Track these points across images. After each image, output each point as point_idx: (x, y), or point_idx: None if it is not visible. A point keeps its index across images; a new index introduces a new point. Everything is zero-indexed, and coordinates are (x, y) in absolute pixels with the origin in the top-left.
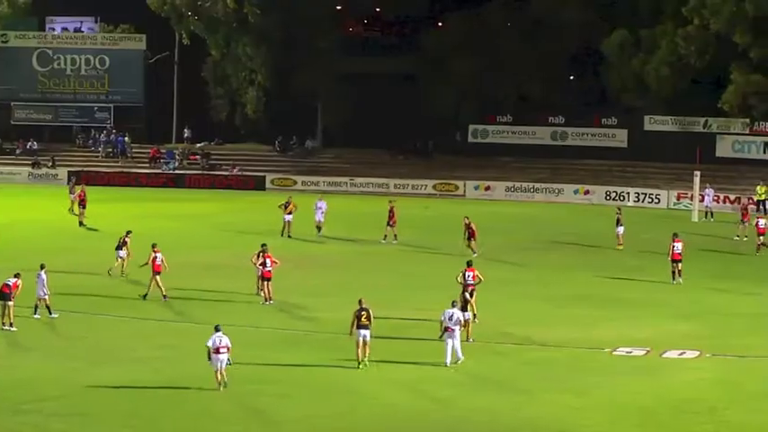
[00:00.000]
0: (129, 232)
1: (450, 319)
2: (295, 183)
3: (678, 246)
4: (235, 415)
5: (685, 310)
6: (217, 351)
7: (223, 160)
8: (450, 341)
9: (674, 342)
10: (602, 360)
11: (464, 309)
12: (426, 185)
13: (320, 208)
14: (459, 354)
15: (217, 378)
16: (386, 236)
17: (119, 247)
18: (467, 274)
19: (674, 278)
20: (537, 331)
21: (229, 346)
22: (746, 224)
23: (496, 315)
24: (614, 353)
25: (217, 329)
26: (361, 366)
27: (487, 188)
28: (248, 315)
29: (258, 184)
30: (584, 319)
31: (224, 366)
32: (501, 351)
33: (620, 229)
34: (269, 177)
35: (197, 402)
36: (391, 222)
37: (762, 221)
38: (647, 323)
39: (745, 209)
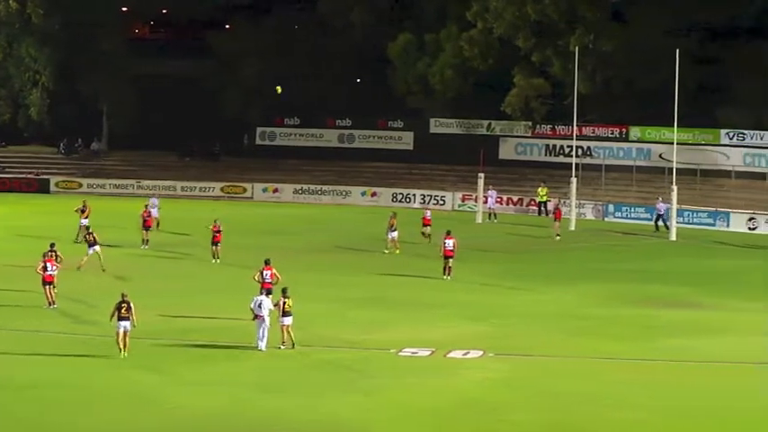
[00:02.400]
0: None
1: (259, 306)
2: (80, 185)
3: (449, 243)
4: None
5: (470, 312)
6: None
7: (6, 163)
8: (258, 327)
9: (459, 342)
10: (389, 361)
11: (285, 314)
12: (214, 188)
13: (154, 206)
14: (264, 343)
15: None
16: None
17: None
18: (265, 272)
19: (444, 273)
20: (325, 333)
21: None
22: (558, 223)
23: None
24: (400, 354)
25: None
26: (122, 355)
27: (275, 190)
28: (30, 319)
29: (42, 187)
30: (372, 320)
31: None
32: (290, 353)
33: (394, 234)
34: (53, 180)
35: None
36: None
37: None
38: (433, 324)
39: (556, 208)
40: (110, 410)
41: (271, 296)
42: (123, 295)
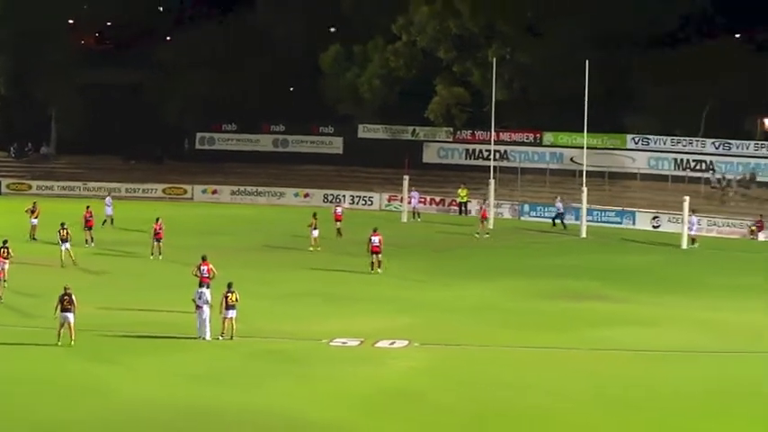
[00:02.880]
0: None
1: (200, 297)
2: (30, 187)
3: (375, 239)
4: None
5: (397, 305)
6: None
7: None
8: (198, 318)
9: (386, 333)
10: (321, 351)
11: (229, 307)
12: (156, 189)
13: (109, 205)
14: (207, 333)
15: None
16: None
17: None
18: (202, 267)
19: (372, 268)
20: (262, 325)
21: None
22: (485, 223)
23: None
24: (331, 344)
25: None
26: (63, 343)
27: (214, 192)
28: None
29: None
30: (303, 314)
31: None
32: (229, 344)
33: (315, 233)
34: (4, 182)
35: None
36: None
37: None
38: (361, 317)
39: (482, 209)
40: (57, 401)
41: (209, 289)
42: (66, 288)
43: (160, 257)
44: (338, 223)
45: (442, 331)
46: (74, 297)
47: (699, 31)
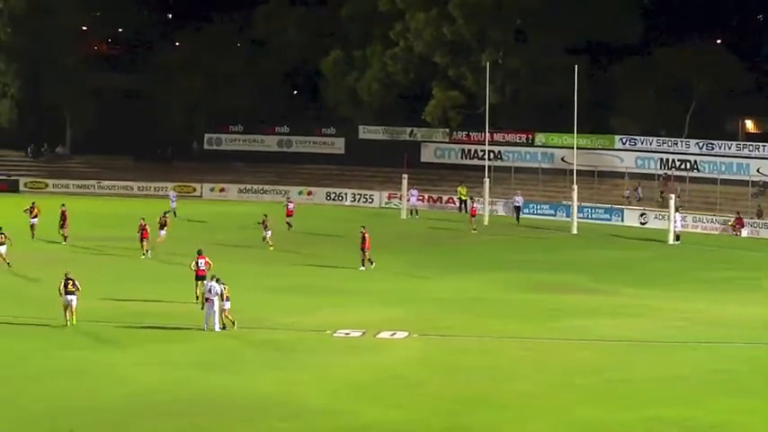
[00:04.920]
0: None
1: (210, 291)
2: (47, 185)
3: (365, 237)
4: None
5: (394, 297)
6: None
7: None
8: (209, 310)
9: (387, 325)
10: (324, 341)
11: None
12: (167, 187)
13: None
14: (217, 324)
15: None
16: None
17: None
18: (199, 261)
19: (362, 264)
20: (263, 316)
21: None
22: (474, 218)
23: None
24: (334, 335)
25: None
26: (68, 325)
27: (222, 190)
28: None
29: (11, 187)
30: (305, 306)
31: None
32: (232, 333)
33: (268, 233)
34: (22, 180)
35: None
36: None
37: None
38: (361, 309)
39: (471, 206)
40: (61, 385)
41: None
42: (66, 273)
43: (149, 256)
44: (289, 218)
45: (437, 322)
46: (76, 281)
47: (677, 34)
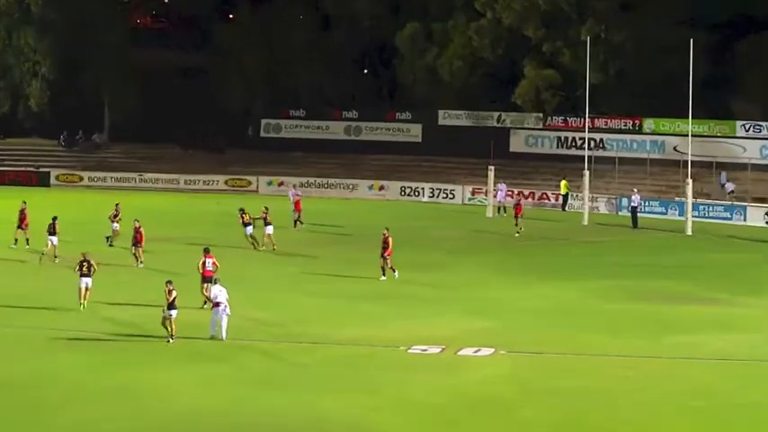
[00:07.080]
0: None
1: (218, 296)
2: (81, 179)
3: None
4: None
5: (476, 307)
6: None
7: (5, 156)
8: (216, 316)
9: (469, 339)
10: (398, 358)
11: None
12: (218, 181)
13: (299, 196)
14: (224, 333)
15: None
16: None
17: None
18: (207, 261)
19: (384, 274)
20: (331, 329)
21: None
22: (519, 219)
23: (289, 312)
24: (409, 351)
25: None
26: (81, 308)
27: (281, 184)
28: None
29: (42, 181)
30: (378, 316)
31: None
32: (293, 350)
33: (269, 229)
34: (53, 173)
35: None
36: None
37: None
38: (440, 320)
39: (517, 203)
40: (105, 407)
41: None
42: (84, 254)
43: (141, 265)
44: (297, 213)
45: (527, 336)
46: (93, 262)
47: None
